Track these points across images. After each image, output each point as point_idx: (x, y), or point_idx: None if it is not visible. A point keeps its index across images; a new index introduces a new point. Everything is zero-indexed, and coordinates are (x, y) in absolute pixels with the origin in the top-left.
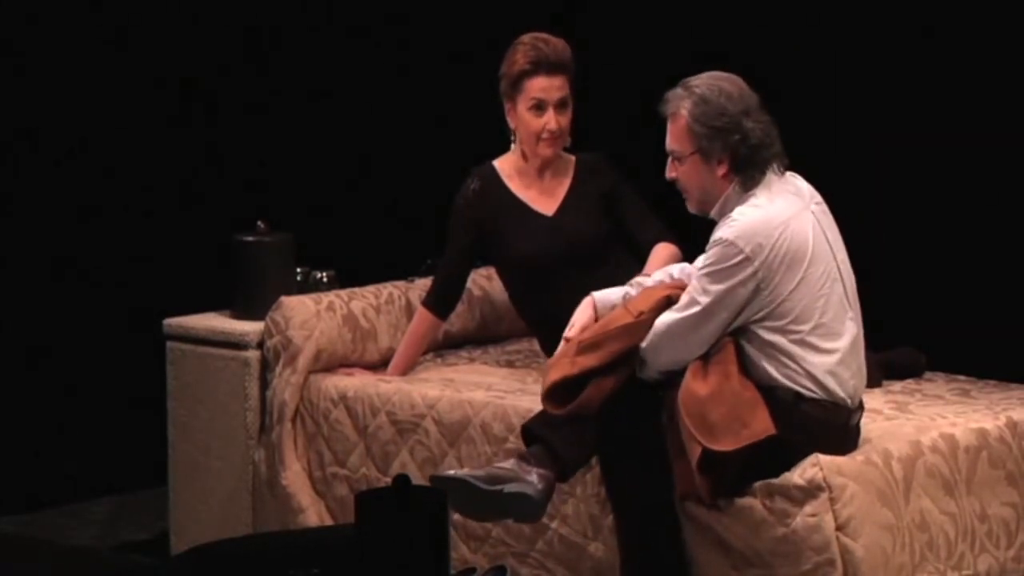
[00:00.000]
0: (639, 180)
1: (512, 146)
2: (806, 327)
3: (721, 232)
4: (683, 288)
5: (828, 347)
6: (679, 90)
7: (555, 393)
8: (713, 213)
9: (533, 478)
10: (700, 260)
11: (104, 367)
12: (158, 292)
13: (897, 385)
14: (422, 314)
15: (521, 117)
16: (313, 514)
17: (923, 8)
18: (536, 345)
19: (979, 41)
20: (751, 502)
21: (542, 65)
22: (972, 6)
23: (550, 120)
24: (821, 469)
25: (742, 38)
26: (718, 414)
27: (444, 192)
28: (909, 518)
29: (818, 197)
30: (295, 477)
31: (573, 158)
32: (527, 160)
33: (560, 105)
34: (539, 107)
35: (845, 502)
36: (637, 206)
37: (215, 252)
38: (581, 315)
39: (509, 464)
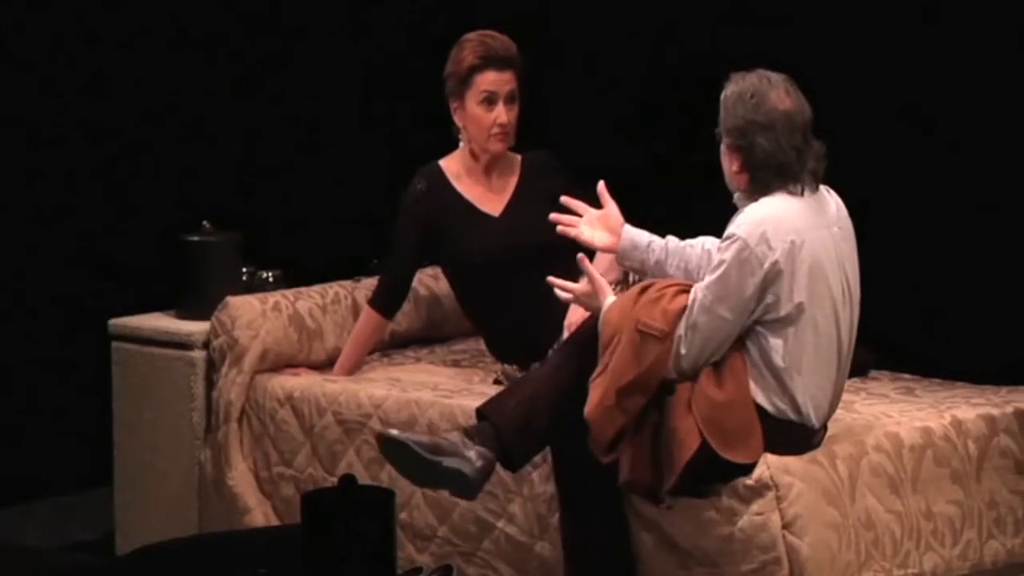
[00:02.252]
0: (590, 179)
1: (460, 145)
2: (794, 349)
3: (729, 228)
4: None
5: (814, 376)
6: (736, 75)
7: (610, 444)
8: (735, 199)
9: (472, 455)
10: (714, 256)
11: (49, 367)
12: (103, 292)
13: None
14: (368, 314)
15: (470, 113)
16: (259, 514)
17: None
18: (482, 344)
19: (936, 41)
20: (698, 500)
21: (491, 60)
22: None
23: (500, 114)
24: (768, 467)
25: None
26: (734, 423)
27: (390, 192)
28: (855, 517)
29: (846, 223)
30: (241, 477)
31: (519, 157)
32: (476, 159)
33: (509, 99)
34: (489, 101)
35: (791, 501)
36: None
37: (160, 252)
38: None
39: (453, 437)
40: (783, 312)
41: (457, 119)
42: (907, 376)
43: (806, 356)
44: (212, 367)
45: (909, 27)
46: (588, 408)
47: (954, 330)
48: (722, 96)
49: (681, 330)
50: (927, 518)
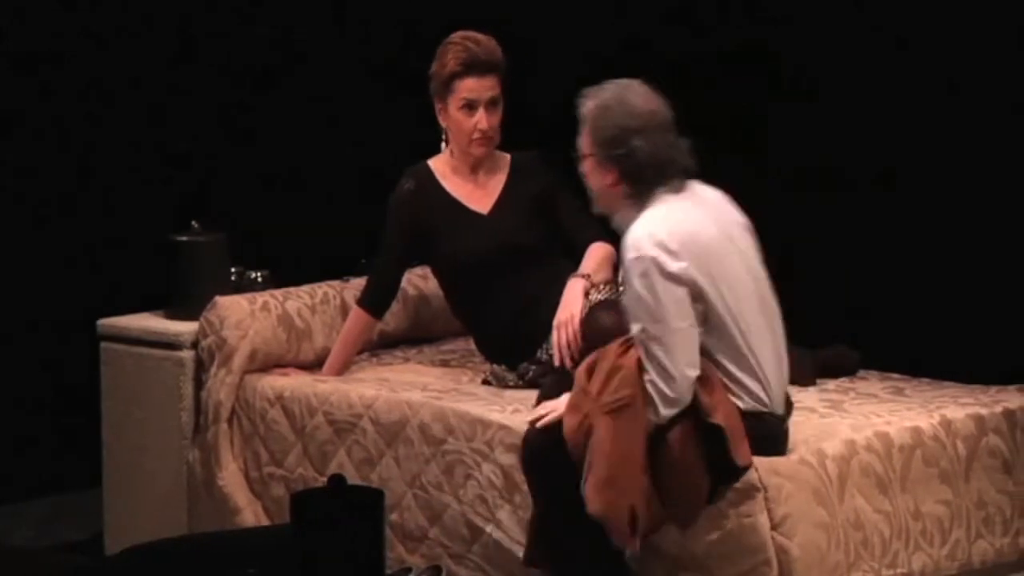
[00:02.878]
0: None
1: (444, 147)
2: (732, 336)
3: (624, 255)
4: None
5: (750, 356)
6: (592, 90)
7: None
8: (615, 222)
9: None
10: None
11: (38, 367)
12: (92, 292)
13: (831, 384)
14: (357, 314)
15: (452, 117)
16: (250, 514)
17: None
18: (471, 344)
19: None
20: None
21: (473, 66)
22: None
23: (481, 120)
24: (756, 470)
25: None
26: (736, 422)
27: (379, 191)
28: (844, 517)
29: (728, 207)
30: (231, 477)
31: (508, 156)
32: (458, 160)
33: (491, 104)
34: (470, 107)
35: (780, 502)
36: (573, 206)
37: (149, 252)
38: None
39: None
40: (709, 308)
41: (441, 120)
42: (896, 376)
43: (740, 343)
44: (201, 367)
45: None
46: (595, 509)
47: (943, 330)
48: (582, 113)
49: (652, 377)
50: (916, 518)
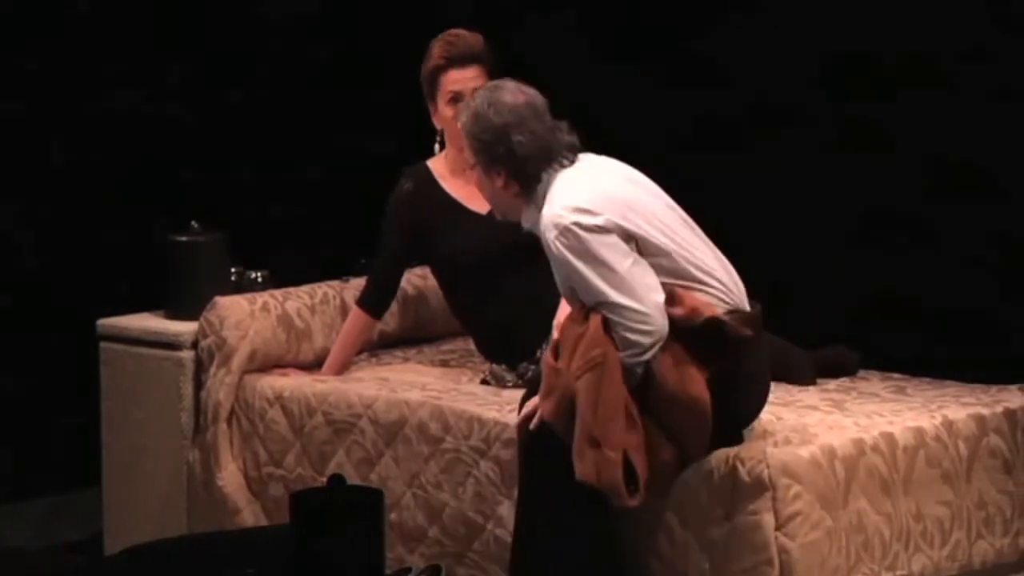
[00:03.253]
0: None
1: (437, 149)
2: (676, 260)
3: (546, 239)
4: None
5: (702, 271)
6: (464, 102)
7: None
8: (523, 224)
9: None
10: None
11: (37, 367)
12: (91, 292)
13: (832, 383)
14: (356, 314)
15: (442, 114)
16: (249, 514)
17: None
18: (471, 344)
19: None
20: (690, 497)
21: (454, 59)
22: None
23: None
24: (768, 467)
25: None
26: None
27: (379, 192)
28: (847, 520)
29: (621, 165)
30: (231, 477)
31: None
32: (455, 158)
33: None
34: (456, 100)
35: (787, 502)
36: None
37: (149, 252)
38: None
39: None
40: (639, 245)
41: (435, 121)
42: (897, 375)
43: (686, 264)
44: (200, 367)
45: None
46: (581, 472)
47: (943, 330)
48: (460, 125)
49: (621, 333)
50: (917, 519)
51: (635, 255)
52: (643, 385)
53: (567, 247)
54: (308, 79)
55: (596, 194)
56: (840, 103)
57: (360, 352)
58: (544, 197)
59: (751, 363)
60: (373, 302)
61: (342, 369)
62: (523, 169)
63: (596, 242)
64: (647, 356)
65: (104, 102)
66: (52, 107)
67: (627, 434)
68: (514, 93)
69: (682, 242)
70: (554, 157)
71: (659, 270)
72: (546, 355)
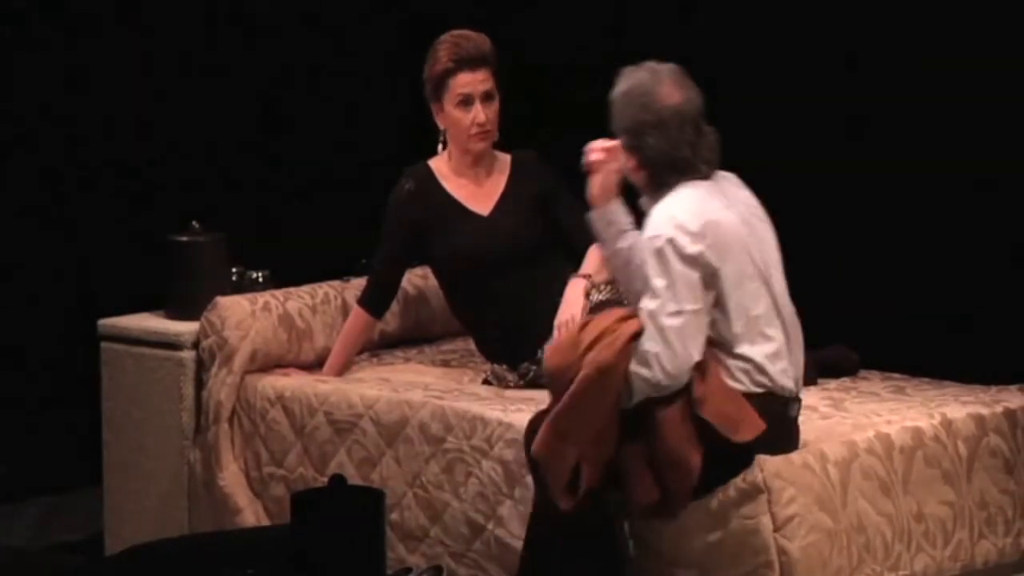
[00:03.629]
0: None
1: (440, 149)
2: (741, 321)
3: (646, 232)
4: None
5: (763, 338)
6: (627, 71)
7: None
8: (641, 203)
9: None
10: (648, 273)
11: (38, 367)
12: (92, 292)
13: (832, 383)
14: (357, 313)
15: (449, 115)
16: (250, 514)
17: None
18: (471, 344)
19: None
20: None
21: (464, 61)
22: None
23: (478, 113)
24: (761, 471)
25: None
26: (733, 407)
27: (379, 192)
28: (847, 521)
29: (751, 200)
30: (232, 477)
31: (508, 156)
32: (459, 159)
33: (486, 98)
34: (466, 102)
35: (783, 504)
36: (573, 207)
37: (150, 252)
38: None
39: None
40: (722, 292)
41: (438, 121)
42: (897, 375)
43: (750, 326)
44: (201, 367)
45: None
46: (536, 451)
47: (943, 330)
48: (611, 96)
49: (646, 352)
50: (918, 520)
51: (704, 303)
52: (645, 427)
53: (654, 253)
54: (308, 79)
55: (708, 221)
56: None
57: (361, 352)
58: (663, 198)
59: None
60: (374, 302)
61: (343, 369)
62: (652, 167)
63: (679, 271)
64: (649, 390)
65: (107, 100)
66: (54, 104)
67: (591, 446)
68: (670, 90)
69: (751, 310)
70: (683, 171)
71: (712, 325)
72: (578, 323)
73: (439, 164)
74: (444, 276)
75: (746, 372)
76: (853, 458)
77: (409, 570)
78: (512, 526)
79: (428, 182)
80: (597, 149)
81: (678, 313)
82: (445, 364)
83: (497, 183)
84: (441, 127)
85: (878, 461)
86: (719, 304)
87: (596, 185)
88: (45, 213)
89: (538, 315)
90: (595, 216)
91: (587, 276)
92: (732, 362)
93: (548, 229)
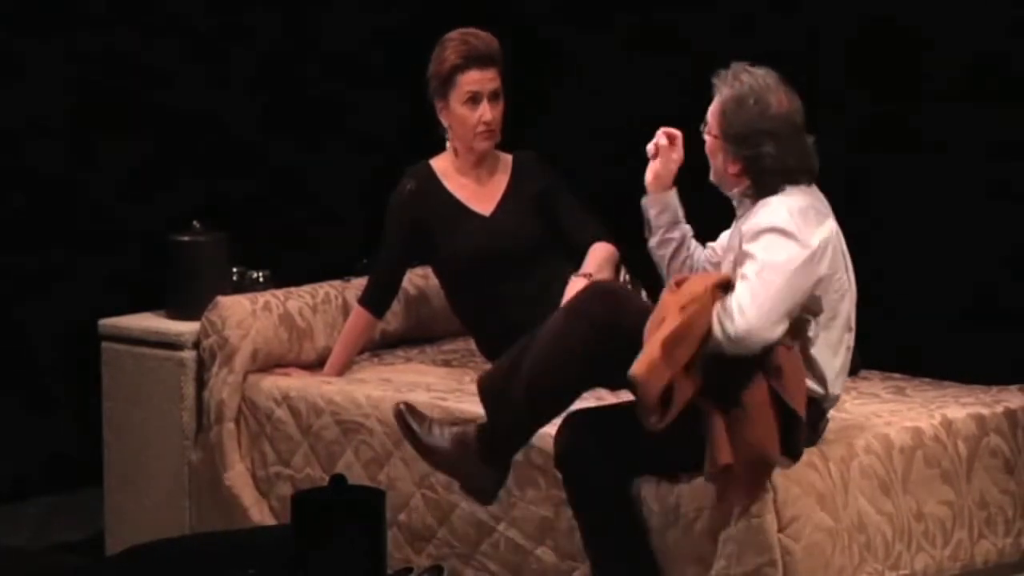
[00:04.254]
0: (575, 180)
1: (447, 145)
2: (823, 327)
3: (758, 223)
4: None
5: (839, 350)
6: (733, 72)
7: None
8: (733, 202)
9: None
10: (751, 248)
11: (38, 367)
12: (92, 292)
13: None
14: (358, 313)
15: (455, 113)
16: (256, 514)
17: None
18: (472, 344)
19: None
20: (690, 504)
21: (473, 58)
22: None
23: (485, 112)
24: None
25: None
26: (801, 394)
27: (380, 191)
28: (848, 520)
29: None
30: (238, 477)
31: (510, 157)
32: (462, 158)
33: (493, 97)
34: (473, 100)
35: (788, 503)
36: (573, 206)
37: (150, 252)
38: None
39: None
40: (819, 292)
41: (443, 119)
42: (897, 376)
43: (827, 333)
44: (202, 367)
45: None
46: (634, 370)
47: (943, 330)
48: (718, 99)
49: (737, 301)
50: (918, 519)
51: (799, 296)
52: (736, 381)
53: (777, 232)
54: (309, 78)
55: (821, 229)
56: None
57: (362, 352)
58: (769, 199)
59: None
60: (374, 301)
61: (344, 368)
62: (760, 176)
63: (788, 254)
64: (724, 341)
65: (108, 99)
66: (54, 104)
67: (684, 370)
68: (780, 99)
69: (835, 319)
70: (792, 179)
71: (812, 334)
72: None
73: (441, 164)
74: (445, 276)
75: (810, 378)
76: (853, 457)
77: (410, 570)
78: (526, 527)
79: (429, 182)
80: (664, 135)
81: (776, 284)
82: (446, 364)
83: (499, 183)
84: (445, 124)
85: (878, 461)
86: (810, 307)
87: (654, 171)
88: (45, 212)
89: (539, 315)
90: (649, 202)
91: (587, 275)
92: (805, 363)
93: (549, 229)
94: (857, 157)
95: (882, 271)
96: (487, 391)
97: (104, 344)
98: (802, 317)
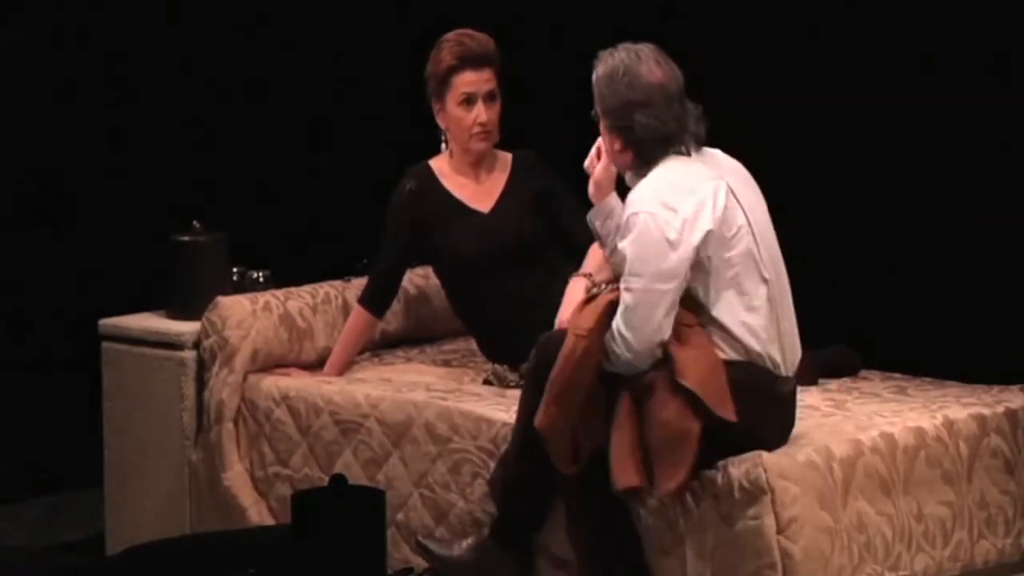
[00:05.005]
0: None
1: (443, 147)
2: (720, 289)
3: (627, 208)
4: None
5: (740, 303)
6: (604, 53)
7: (569, 457)
8: (627, 181)
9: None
10: (622, 245)
11: (39, 367)
12: (93, 292)
13: (833, 383)
14: (358, 313)
15: (451, 114)
16: (255, 514)
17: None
18: (472, 344)
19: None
20: (691, 506)
21: (468, 60)
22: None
23: (480, 113)
24: (765, 471)
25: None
26: (715, 377)
27: (380, 191)
28: (848, 520)
29: (741, 172)
30: (236, 477)
31: (509, 155)
32: (458, 158)
33: (489, 98)
34: (469, 101)
35: (786, 505)
36: (573, 205)
37: (151, 252)
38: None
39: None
40: (700, 261)
41: (439, 120)
42: (898, 375)
43: (732, 298)
44: (203, 367)
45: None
46: (538, 422)
47: (943, 330)
48: (593, 78)
49: (615, 326)
50: (918, 520)
51: (679, 280)
52: (633, 408)
53: (636, 229)
54: (308, 78)
55: (691, 200)
56: None
57: (362, 352)
58: (647, 173)
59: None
60: (375, 301)
61: (344, 368)
62: (639, 147)
63: (652, 246)
64: (619, 366)
65: (107, 99)
66: (55, 104)
67: (581, 412)
68: (651, 68)
69: (731, 277)
70: (672, 145)
71: (709, 298)
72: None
73: (440, 163)
74: (445, 275)
75: (723, 338)
76: (858, 456)
77: (410, 570)
78: None
79: (429, 182)
80: (593, 152)
81: (644, 290)
82: (446, 364)
83: (498, 181)
84: (442, 126)
85: (881, 460)
86: (698, 271)
87: (594, 182)
88: (45, 212)
89: (538, 314)
90: (592, 215)
91: (588, 275)
92: (709, 328)
93: (548, 228)
94: (857, 158)
95: (883, 271)
96: (492, 481)
97: (104, 344)
98: (690, 288)
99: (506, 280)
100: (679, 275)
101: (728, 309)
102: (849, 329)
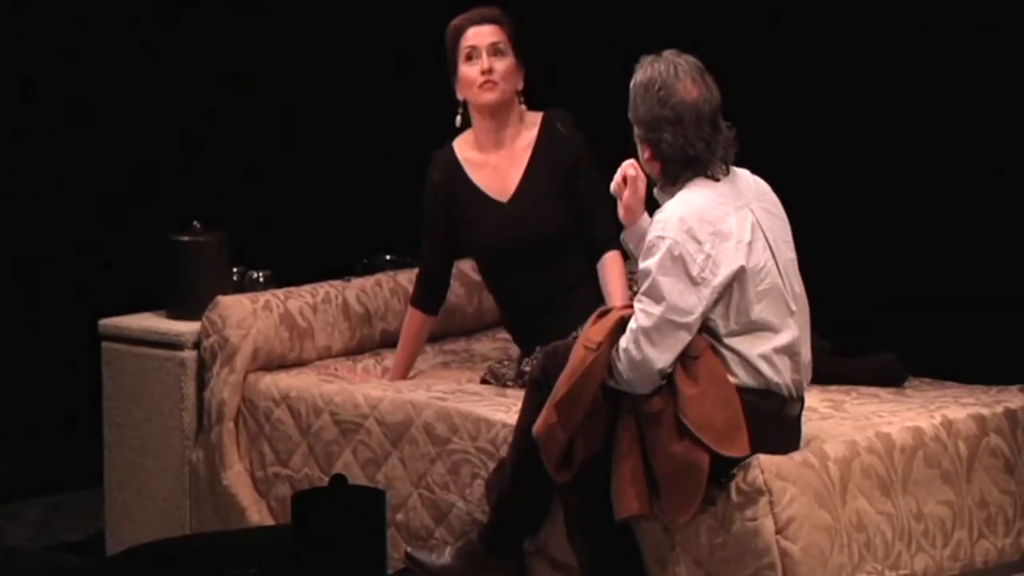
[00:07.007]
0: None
1: (458, 120)
2: (738, 318)
3: (652, 231)
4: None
5: (763, 338)
6: (652, 58)
7: (562, 465)
8: (655, 191)
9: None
10: (644, 265)
11: (39, 367)
12: (93, 292)
13: (833, 384)
14: (411, 314)
15: (462, 77)
16: (255, 514)
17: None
18: (472, 344)
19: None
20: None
21: (471, 19)
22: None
23: (483, 62)
24: (762, 472)
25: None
26: (722, 414)
27: (380, 191)
28: (847, 519)
29: (768, 197)
30: (236, 477)
31: (539, 116)
32: (479, 127)
33: (492, 51)
34: (471, 56)
35: (784, 505)
36: (593, 188)
37: (150, 252)
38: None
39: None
40: (723, 295)
41: (458, 93)
42: None
43: (755, 332)
44: (203, 367)
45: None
46: (535, 426)
47: (943, 330)
48: (631, 84)
49: (622, 345)
50: (918, 519)
51: (697, 314)
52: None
53: (659, 253)
54: (309, 78)
55: (715, 233)
56: None
57: (363, 352)
58: (675, 192)
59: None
60: (425, 298)
61: (406, 371)
62: (664, 161)
63: (673, 275)
64: (622, 384)
65: (107, 100)
66: (54, 105)
67: (584, 422)
68: (687, 86)
69: (752, 309)
70: (697, 168)
71: (724, 328)
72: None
73: (463, 146)
74: (478, 263)
75: (741, 366)
76: (854, 456)
77: (410, 570)
78: None
79: (453, 170)
80: (618, 178)
81: (659, 317)
82: (445, 365)
83: (521, 156)
84: (460, 98)
85: (878, 460)
86: (719, 305)
87: (624, 206)
88: (45, 212)
89: (562, 303)
90: (626, 236)
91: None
92: (727, 354)
93: (569, 212)
94: (856, 158)
95: (883, 271)
96: (488, 482)
97: (104, 344)
98: (709, 320)
99: (528, 269)
100: (695, 312)
101: (749, 342)
102: (849, 330)
